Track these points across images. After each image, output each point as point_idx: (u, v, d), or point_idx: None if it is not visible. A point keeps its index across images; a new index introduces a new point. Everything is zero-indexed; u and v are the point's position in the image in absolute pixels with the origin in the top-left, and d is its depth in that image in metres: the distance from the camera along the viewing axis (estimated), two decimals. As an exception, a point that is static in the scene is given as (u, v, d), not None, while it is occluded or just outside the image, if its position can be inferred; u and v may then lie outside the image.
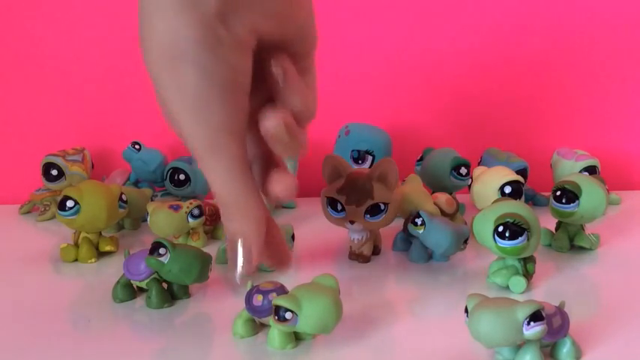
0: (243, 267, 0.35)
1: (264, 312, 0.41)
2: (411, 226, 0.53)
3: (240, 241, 0.35)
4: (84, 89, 0.79)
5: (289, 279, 0.52)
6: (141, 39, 0.33)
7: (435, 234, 0.52)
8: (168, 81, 0.34)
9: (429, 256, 0.55)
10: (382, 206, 0.52)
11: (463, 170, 0.65)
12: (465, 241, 0.54)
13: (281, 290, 0.42)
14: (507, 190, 0.59)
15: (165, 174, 0.68)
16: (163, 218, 0.56)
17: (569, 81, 0.79)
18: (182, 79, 0.33)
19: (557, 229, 0.58)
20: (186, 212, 0.56)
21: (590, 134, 0.79)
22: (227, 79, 0.33)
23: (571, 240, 0.57)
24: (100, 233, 0.57)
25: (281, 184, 0.36)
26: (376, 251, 0.56)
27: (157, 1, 0.32)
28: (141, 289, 0.48)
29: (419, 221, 0.52)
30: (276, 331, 0.40)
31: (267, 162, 0.37)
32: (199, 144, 0.34)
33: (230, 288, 0.50)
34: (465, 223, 0.57)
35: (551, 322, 0.37)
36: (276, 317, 0.39)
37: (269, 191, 0.36)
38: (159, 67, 0.33)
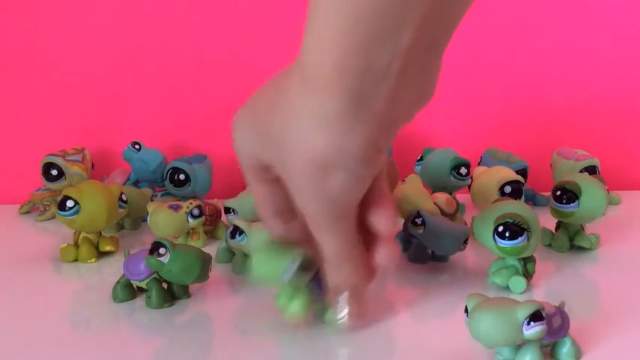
0: (349, 316, 0.41)
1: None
2: (411, 226, 0.53)
3: (347, 292, 0.41)
4: (84, 89, 0.79)
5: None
6: (288, 149, 0.36)
7: (434, 234, 0.52)
8: (314, 189, 0.36)
9: (429, 256, 0.55)
10: (382, 206, 0.51)
11: (463, 170, 0.65)
12: (465, 241, 0.54)
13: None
14: (507, 190, 0.59)
15: (165, 174, 0.68)
16: (163, 218, 0.56)
17: (569, 81, 0.79)
18: (331, 188, 0.36)
19: (557, 229, 0.58)
20: (186, 212, 0.56)
21: (590, 134, 0.79)
22: (364, 189, 0.38)
23: (571, 240, 0.57)
24: (100, 233, 0.57)
25: (384, 253, 0.41)
26: (376, 251, 0.56)
27: (316, 119, 0.34)
28: (141, 289, 0.48)
29: (419, 221, 0.52)
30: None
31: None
32: (324, 223, 0.38)
33: (230, 288, 0.50)
34: (465, 223, 0.57)
35: (551, 322, 0.36)
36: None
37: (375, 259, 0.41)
38: (308, 177, 0.36)
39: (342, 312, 0.41)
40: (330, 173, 0.35)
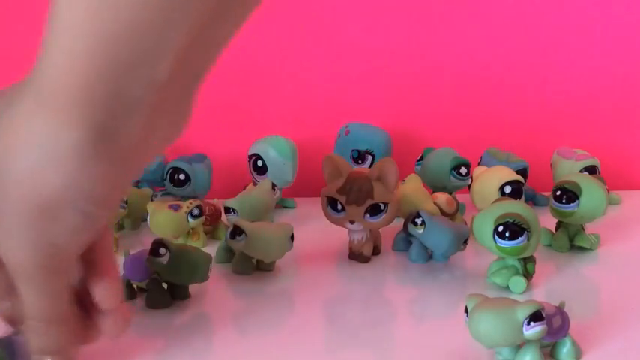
0: None
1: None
2: (411, 226, 0.53)
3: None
4: (84, 89, 0.78)
5: (289, 279, 0.52)
6: (4, 183, 0.30)
7: (434, 234, 0.52)
8: (32, 233, 0.31)
9: (428, 256, 0.55)
10: (382, 206, 0.52)
11: (463, 170, 0.65)
12: (465, 241, 0.54)
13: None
14: (507, 190, 0.59)
15: (165, 174, 0.68)
16: (163, 218, 0.56)
17: (569, 81, 0.79)
18: (54, 232, 0.31)
19: (557, 229, 0.58)
20: (186, 212, 0.56)
21: (590, 134, 0.79)
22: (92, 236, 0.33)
23: (571, 240, 0.57)
24: (100, 233, 0.57)
25: (111, 322, 0.36)
26: (376, 251, 0.56)
27: (47, 151, 0.30)
28: (141, 289, 0.48)
29: (419, 221, 0.52)
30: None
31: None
32: (35, 274, 0.32)
33: (230, 288, 0.50)
34: (465, 223, 0.57)
35: (551, 322, 0.36)
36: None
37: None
38: (27, 218, 0.31)
39: None
40: (56, 216, 0.30)
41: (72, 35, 0.28)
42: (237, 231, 0.50)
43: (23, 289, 0.33)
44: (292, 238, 0.52)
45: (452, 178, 0.65)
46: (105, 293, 0.35)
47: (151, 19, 0.28)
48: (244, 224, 0.51)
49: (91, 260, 0.35)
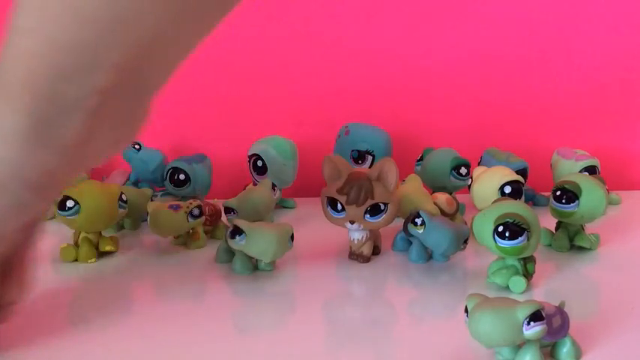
0: None
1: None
2: (410, 226, 0.53)
3: None
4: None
5: (289, 279, 0.52)
6: None
7: (434, 234, 0.52)
8: None
9: (429, 256, 0.55)
10: (382, 206, 0.52)
11: (463, 170, 0.65)
12: (465, 241, 0.54)
13: None
14: (507, 190, 0.59)
15: (165, 174, 0.68)
16: (163, 218, 0.56)
17: (569, 81, 0.79)
18: None
19: (557, 229, 0.58)
20: (186, 212, 0.56)
21: (590, 134, 0.79)
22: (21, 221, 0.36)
23: (571, 240, 0.57)
24: (100, 233, 0.57)
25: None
26: (376, 251, 0.56)
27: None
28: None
29: (419, 221, 0.52)
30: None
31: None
32: None
33: (230, 288, 0.50)
34: (465, 223, 0.57)
35: (551, 322, 0.36)
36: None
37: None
38: None
39: None
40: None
41: (26, 36, 0.33)
42: (236, 231, 0.50)
43: None
44: (292, 238, 0.52)
45: (452, 178, 0.65)
46: (12, 297, 0.39)
47: (89, 37, 0.32)
48: (244, 224, 0.51)
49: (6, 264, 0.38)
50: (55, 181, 0.36)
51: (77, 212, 0.53)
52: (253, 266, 0.52)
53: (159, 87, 0.37)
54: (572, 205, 0.54)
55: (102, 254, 0.57)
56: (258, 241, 0.50)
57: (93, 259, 0.55)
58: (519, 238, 0.45)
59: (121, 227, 0.64)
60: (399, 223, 0.55)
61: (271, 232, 0.51)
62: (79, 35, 0.32)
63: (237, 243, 0.50)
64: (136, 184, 0.71)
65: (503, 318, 0.35)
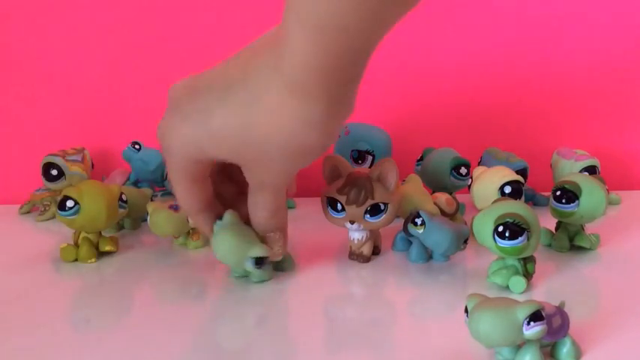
0: (275, 252, 0.50)
1: None
2: (410, 226, 0.53)
3: (277, 234, 0.50)
4: (84, 89, 0.79)
5: (289, 279, 0.52)
6: (272, 142, 0.42)
7: (434, 234, 0.52)
8: (291, 168, 0.46)
9: (428, 256, 0.55)
10: (382, 206, 0.52)
11: (463, 170, 0.65)
12: (465, 241, 0.54)
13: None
14: (507, 190, 0.59)
15: (165, 174, 0.68)
16: (163, 218, 0.56)
17: (569, 81, 0.79)
18: (302, 164, 0.45)
19: (557, 229, 0.58)
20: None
21: (590, 134, 0.79)
22: None
23: (571, 240, 0.57)
24: (100, 233, 0.57)
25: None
26: (376, 251, 0.56)
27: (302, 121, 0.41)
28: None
29: (419, 221, 0.52)
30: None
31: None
32: (282, 187, 0.49)
33: (230, 288, 0.50)
34: (465, 223, 0.57)
35: (551, 322, 0.36)
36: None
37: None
38: (291, 161, 0.44)
39: (275, 247, 0.49)
40: (309, 156, 0.44)
41: (298, 30, 0.37)
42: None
43: (269, 198, 0.48)
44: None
45: (452, 178, 0.65)
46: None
47: (367, 18, 0.37)
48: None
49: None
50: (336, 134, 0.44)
51: (77, 212, 0.53)
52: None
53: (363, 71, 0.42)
54: (572, 205, 0.54)
55: (102, 254, 0.57)
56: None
57: (93, 259, 0.55)
58: (519, 238, 0.45)
59: (121, 227, 0.64)
60: (399, 223, 0.55)
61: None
62: (357, 19, 0.36)
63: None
64: (136, 184, 0.71)
65: (503, 318, 0.35)
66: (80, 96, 0.79)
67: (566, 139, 0.76)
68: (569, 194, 0.54)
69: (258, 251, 0.48)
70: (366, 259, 0.54)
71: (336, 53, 0.38)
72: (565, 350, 0.38)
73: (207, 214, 0.49)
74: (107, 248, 0.56)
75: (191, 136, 0.44)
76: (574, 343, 0.38)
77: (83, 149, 0.73)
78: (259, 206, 0.48)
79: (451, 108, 0.79)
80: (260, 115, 0.41)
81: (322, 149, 0.43)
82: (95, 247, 0.56)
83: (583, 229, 0.57)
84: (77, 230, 0.56)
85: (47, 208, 0.69)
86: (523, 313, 0.35)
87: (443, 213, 0.57)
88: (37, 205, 0.71)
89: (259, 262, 0.48)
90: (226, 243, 0.48)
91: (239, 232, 0.48)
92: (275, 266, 0.52)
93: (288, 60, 0.39)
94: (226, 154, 0.44)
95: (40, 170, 0.70)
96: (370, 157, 0.69)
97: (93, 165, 0.74)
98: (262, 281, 0.50)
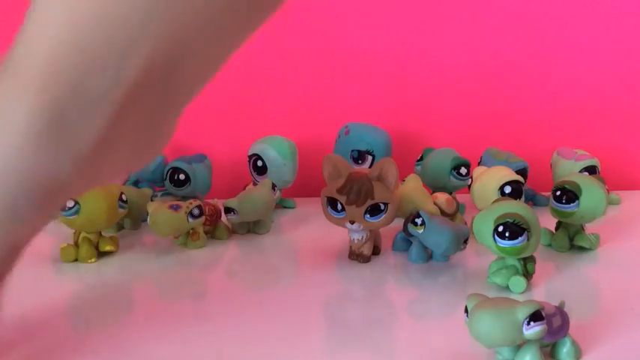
0: None
1: None
2: (410, 226, 0.53)
3: None
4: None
5: (289, 278, 0.52)
6: None
7: (434, 234, 0.52)
8: None
9: (428, 256, 0.55)
10: (382, 206, 0.52)
11: (463, 170, 0.65)
12: (465, 241, 0.54)
13: None
14: (507, 190, 0.59)
15: (165, 174, 0.68)
16: (163, 218, 0.56)
17: (569, 81, 0.79)
18: None
19: (557, 229, 0.58)
20: (186, 212, 0.56)
21: (590, 134, 0.79)
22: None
23: (571, 240, 0.57)
24: (100, 233, 0.57)
25: None
26: (376, 251, 0.56)
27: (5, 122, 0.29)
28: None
29: (419, 221, 0.52)
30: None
31: None
32: None
33: (230, 288, 0.50)
34: (465, 223, 0.57)
35: (551, 322, 0.37)
36: None
37: None
38: None
39: None
40: None
41: (45, 20, 0.29)
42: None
43: None
44: (274, 187, 0.60)
45: (452, 178, 0.65)
46: None
47: (125, 13, 0.28)
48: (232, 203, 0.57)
49: None
50: (62, 197, 0.31)
51: (77, 212, 0.53)
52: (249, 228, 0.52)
53: (189, 97, 0.33)
54: (572, 205, 0.54)
55: (102, 254, 0.57)
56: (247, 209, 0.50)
57: (93, 259, 0.55)
58: (519, 238, 0.45)
59: (121, 227, 0.64)
60: (399, 223, 0.55)
61: (256, 194, 0.51)
62: (113, 12, 0.28)
63: (232, 218, 0.50)
64: (136, 184, 0.71)
65: (503, 318, 0.35)
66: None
67: (566, 139, 0.76)
68: (569, 194, 0.54)
69: None
70: (366, 259, 0.54)
71: (69, 52, 0.29)
72: (565, 350, 0.38)
73: None
74: (107, 248, 0.56)
75: None
76: (574, 343, 0.38)
77: (83, 149, 0.73)
78: None
79: (451, 108, 0.79)
80: None
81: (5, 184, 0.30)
82: (95, 247, 0.56)
83: (583, 229, 0.57)
84: (77, 230, 0.56)
85: (47, 208, 0.69)
86: (523, 313, 0.35)
87: (443, 213, 0.57)
88: (37, 205, 0.70)
89: None
90: None
91: None
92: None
93: (17, 49, 0.31)
94: None
95: (40, 170, 0.70)
96: (370, 157, 0.69)
97: (93, 165, 0.74)
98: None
